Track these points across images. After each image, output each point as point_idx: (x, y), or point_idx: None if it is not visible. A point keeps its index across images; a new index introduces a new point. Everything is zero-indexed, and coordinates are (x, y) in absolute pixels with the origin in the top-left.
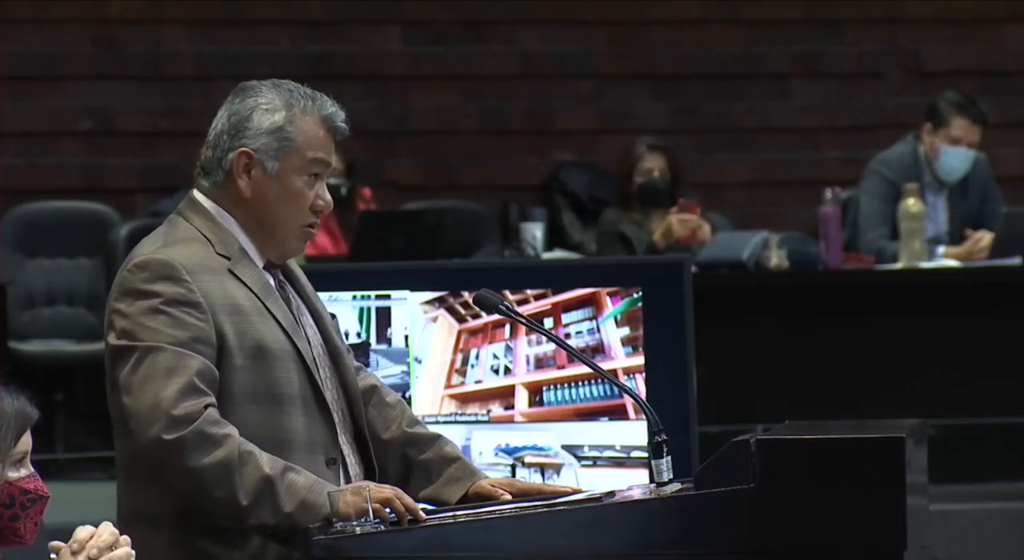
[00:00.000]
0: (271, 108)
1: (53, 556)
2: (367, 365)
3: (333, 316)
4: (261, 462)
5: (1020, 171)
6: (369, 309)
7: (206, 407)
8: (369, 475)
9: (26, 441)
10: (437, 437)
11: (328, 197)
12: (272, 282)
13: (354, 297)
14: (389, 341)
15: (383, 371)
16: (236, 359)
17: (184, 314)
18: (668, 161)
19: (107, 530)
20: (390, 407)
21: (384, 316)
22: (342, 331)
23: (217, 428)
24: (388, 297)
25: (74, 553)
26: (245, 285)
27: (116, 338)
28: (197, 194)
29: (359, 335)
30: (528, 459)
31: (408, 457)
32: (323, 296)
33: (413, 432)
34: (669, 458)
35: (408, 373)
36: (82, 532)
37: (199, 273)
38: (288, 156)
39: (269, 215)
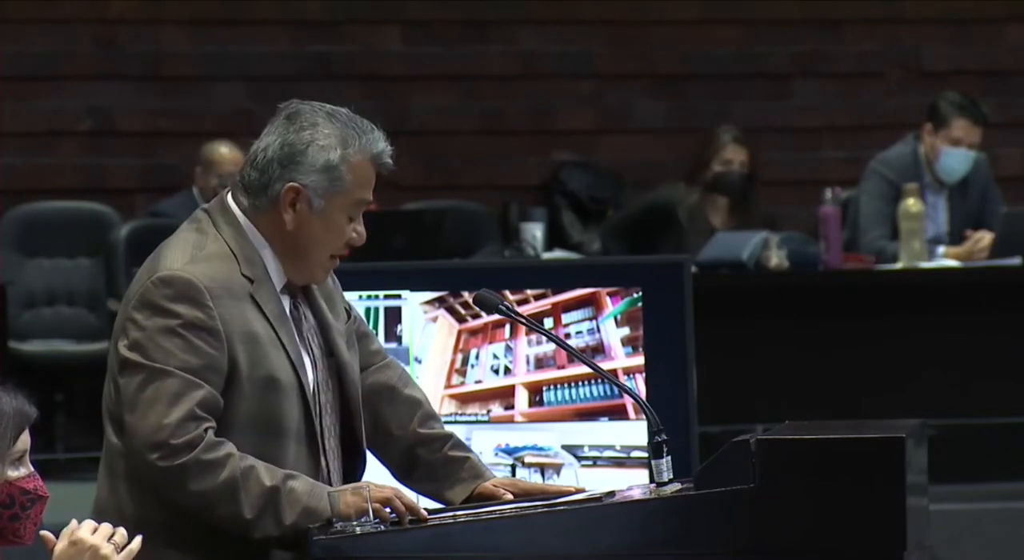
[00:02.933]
0: (327, 145)
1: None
2: None
3: (349, 311)
4: (262, 475)
5: (1020, 171)
6: (377, 309)
7: (206, 430)
8: None
9: (25, 440)
10: (449, 436)
11: (363, 230)
12: (289, 301)
13: (360, 297)
14: (399, 339)
15: None
16: (245, 388)
17: (200, 340)
18: (749, 154)
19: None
20: (405, 405)
21: (394, 315)
22: (357, 318)
23: (216, 452)
24: (399, 297)
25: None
26: (262, 312)
27: (128, 349)
28: (232, 204)
29: None
30: (528, 459)
31: (417, 456)
32: None
33: (424, 432)
34: (669, 458)
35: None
36: (100, 534)
37: (221, 298)
38: (336, 196)
39: (306, 247)
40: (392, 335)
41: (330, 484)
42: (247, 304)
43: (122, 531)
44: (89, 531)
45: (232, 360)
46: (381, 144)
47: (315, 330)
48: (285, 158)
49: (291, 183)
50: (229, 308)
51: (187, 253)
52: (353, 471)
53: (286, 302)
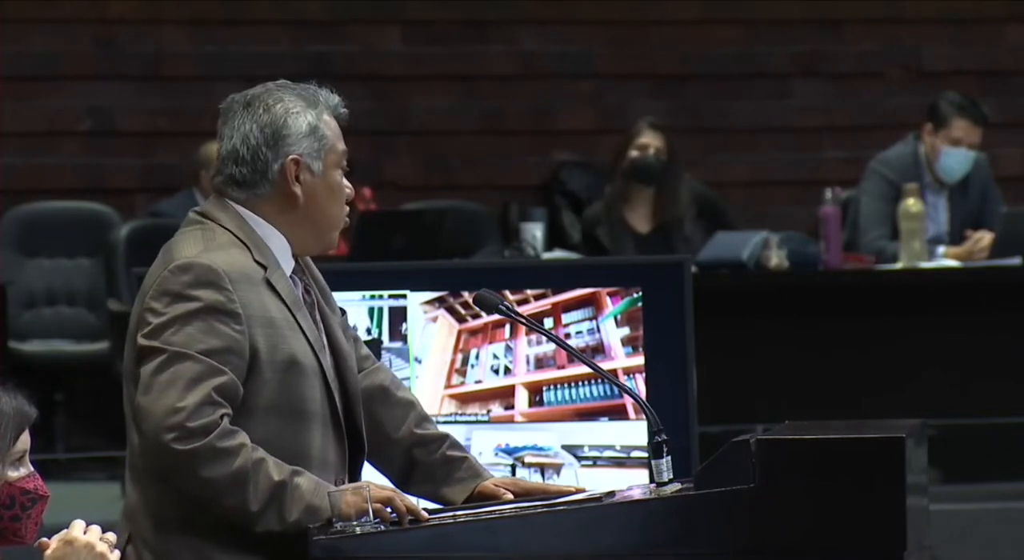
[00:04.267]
0: (298, 110)
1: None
2: None
3: (343, 312)
4: (271, 469)
5: (1020, 171)
6: (381, 308)
7: (222, 417)
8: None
9: (25, 440)
10: (445, 437)
11: (350, 185)
12: (300, 287)
13: (364, 296)
14: (404, 338)
15: (397, 371)
16: (265, 372)
17: (221, 323)
18: (666, 142)
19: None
20: (399, 407)
21: (398, 314)
22: (351, 326)
23: (230, 440)
24: (403, 296)
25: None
26: (279, 297)
27: (147, 338)
28: (228, 200)
29: (369, 332)
30: (528, 459)
31: (415, 457)
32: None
33: (421, 433)
34: (669, 458)
35: None
36: (92, 533)
37: (240, 283)
38: (327, 154)
39: (320, 214)
40: (397, 334)
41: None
42: (263, 289)
43: (111, 534)
44: (81, 530)
45: (252, 346)
46: (334, 97)
47: (320, 317)
48: (270, 139)
49: (290, 156)
50: (247, 293)
51: (200, 244)
52: (355, 462)
53: (299, 288)
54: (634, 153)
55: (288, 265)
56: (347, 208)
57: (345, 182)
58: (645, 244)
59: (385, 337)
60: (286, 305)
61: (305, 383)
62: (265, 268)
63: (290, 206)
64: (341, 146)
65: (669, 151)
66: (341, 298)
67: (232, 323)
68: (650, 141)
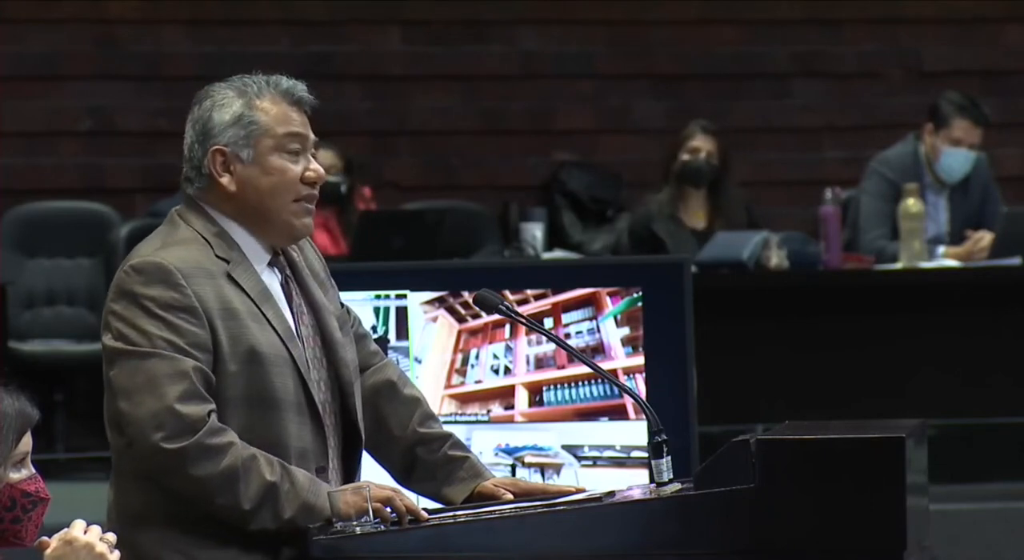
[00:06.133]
0: (226, 102)
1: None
2: None
3: (343, 305)
4: (262, 468)
5: (1020, 171)
6: (387, 308)
7: (209, 413)
8: (349, 479)
9: (27, 442)
10: (448, 436)
11: (317, 166)
12: (278, 278)
13: (369, 296)
14: (409, 336)
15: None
16: (229, 364)
17: (179, 319)
18: (718, 146)
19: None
20: (405, 404)
21: (403, 314)
22: (355, 320)
23: (219, 437)
24: (404, 297)
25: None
26: (242, 290)
27: (112, 340)
28: (195, 199)
29: (375, 330)
30: (528, 459)
31: (417, 455)
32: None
33: (424, 431)
34: (669, 458)
35: None
36: (92, 533)
37: (194, 276)
38: (259, 139)
39: (261, 201)
40: (404, 334)
41: (332, 461)
42: (224, 282)
43: (111, 534)
44: (81, 530)
45: (214, 337)
46: (286, 81)
47: (305, 308)
48: (199, 134)
49: (211, 148)
50: (204, 287)
51: (158, 242)
52: (352, 452)
53: (275, 280)
54: (685, 156)
55: (260, 258)
56: (304, 189)
57: (308, 167)
58: (704, 240)
59: (392, 336)
60: (250, 297)
61: (272, 372)
62: (228, 262)
63: (227, 197)
64: (282, 129)
65: (721, 154)
66: (344, 298)
67: (190, 318)
68: (701, 145)
